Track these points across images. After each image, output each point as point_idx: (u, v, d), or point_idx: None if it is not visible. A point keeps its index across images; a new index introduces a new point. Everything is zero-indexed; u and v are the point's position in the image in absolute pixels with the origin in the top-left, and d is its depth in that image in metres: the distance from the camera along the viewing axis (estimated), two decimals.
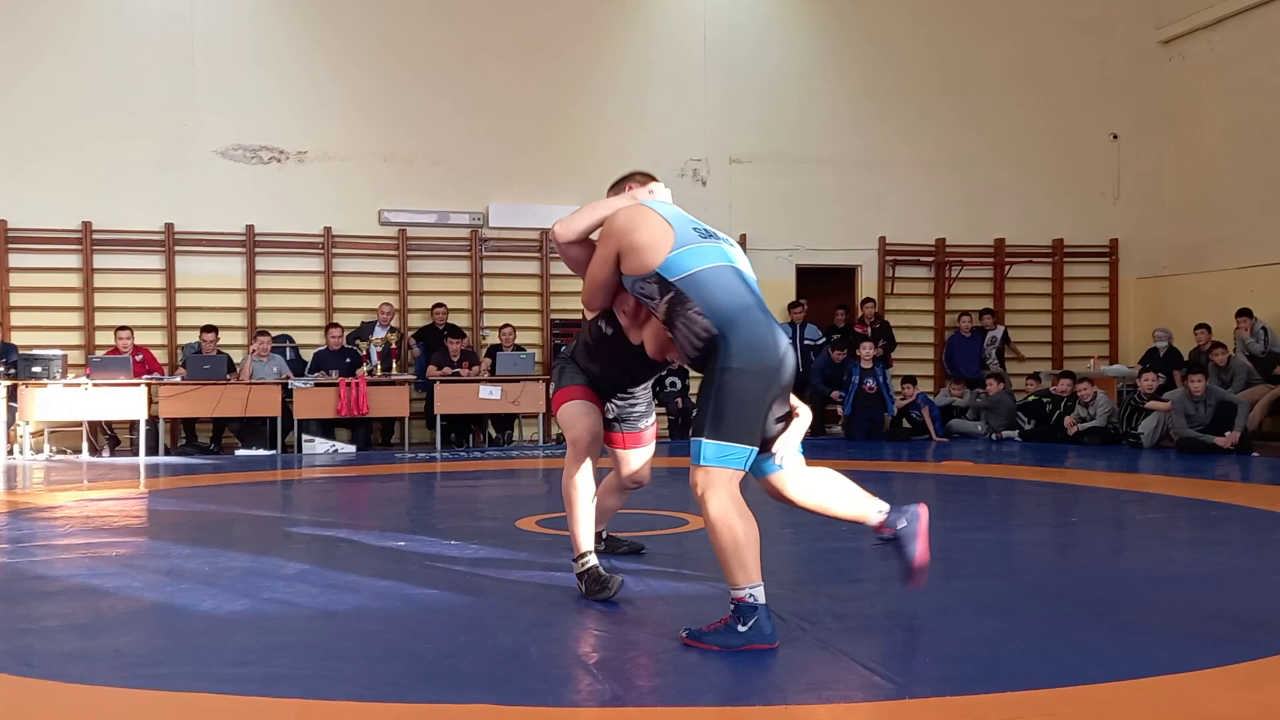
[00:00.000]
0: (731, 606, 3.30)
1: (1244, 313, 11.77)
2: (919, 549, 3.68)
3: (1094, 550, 5.12)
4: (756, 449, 3.44)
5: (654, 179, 4.01)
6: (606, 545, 4.89)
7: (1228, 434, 9.95)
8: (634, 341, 4.09)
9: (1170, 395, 10.55)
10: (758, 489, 3.77)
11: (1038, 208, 13.93)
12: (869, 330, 13.04)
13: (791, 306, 13.03)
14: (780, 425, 3.63)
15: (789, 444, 3.67)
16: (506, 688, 2.95)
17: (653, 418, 4.63)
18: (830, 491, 3.81)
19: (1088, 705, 2.76)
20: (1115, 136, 14.18)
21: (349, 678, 3.06)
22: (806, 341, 12.60)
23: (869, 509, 3.79)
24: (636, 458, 4.55)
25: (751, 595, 3.28)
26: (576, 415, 4.20)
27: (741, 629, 3.26)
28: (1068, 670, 3.07)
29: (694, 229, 3.62)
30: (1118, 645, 3.37)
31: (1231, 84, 13.19)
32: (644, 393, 4.51)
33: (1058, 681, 2.94)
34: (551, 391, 4.50)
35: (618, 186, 4.12)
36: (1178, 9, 13.89)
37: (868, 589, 4.29)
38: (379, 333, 11.91)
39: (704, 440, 3.38)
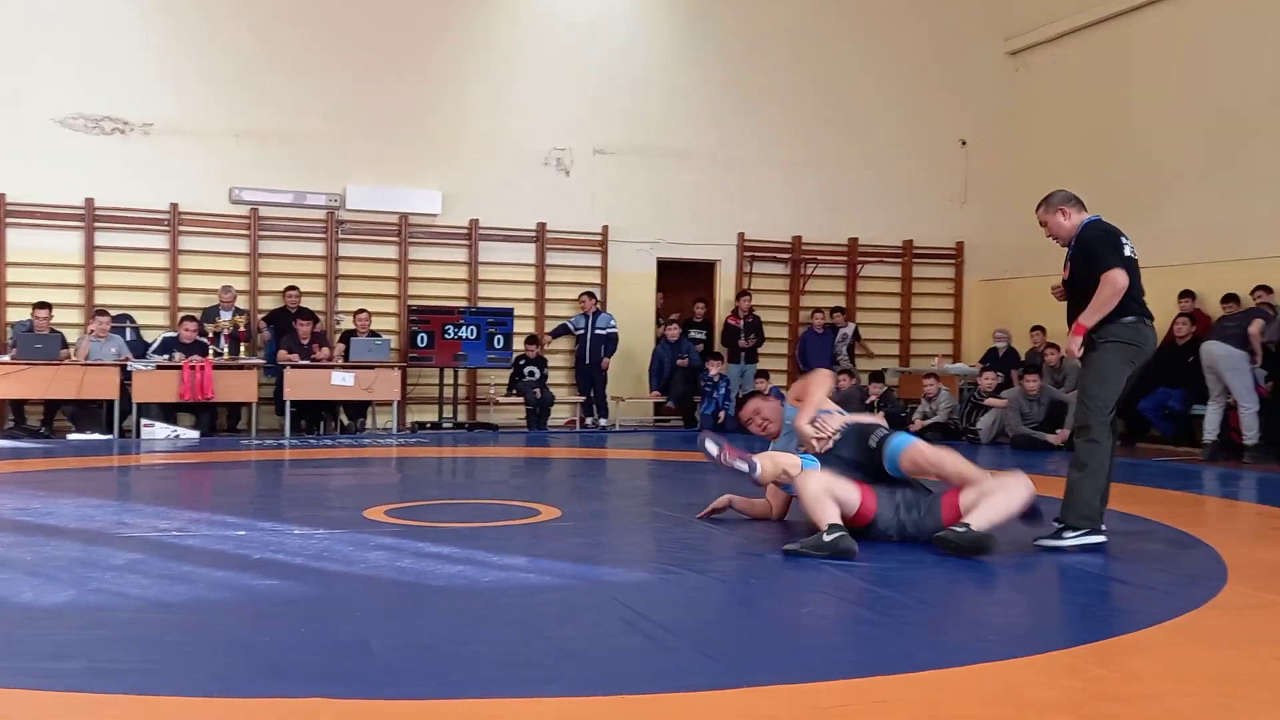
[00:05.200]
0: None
1: None
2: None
3: (919, 543, 5.31)
4: None
5: None
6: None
7: (1058, 431, 10.45)
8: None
9: (1007, 394, 11.04)
10: None
11: (890, 209, 14.36)
12: (742, 324, 13.25)
13: (582, 296, 13.14)
14: None
15: None
16: (345, 680, 2.89)
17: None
18: None
19: (919, 692, 2.85)
20: (964, 143, 14.72)
21: (177, 672, 2.95)
22: (598, 331, 12.71)
23: None
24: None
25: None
26: None
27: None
28: (902, 658, 3.17)
29: None
30: (947, 634, 3.50)
31: (1072, 96, 13.84)
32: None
33: (892, 669, 3.03)
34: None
35: None
36: (1024, 23, 14.50)
37: (713, 579, 4.35)
38: (224, 315, 11.50)
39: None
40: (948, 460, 5.09)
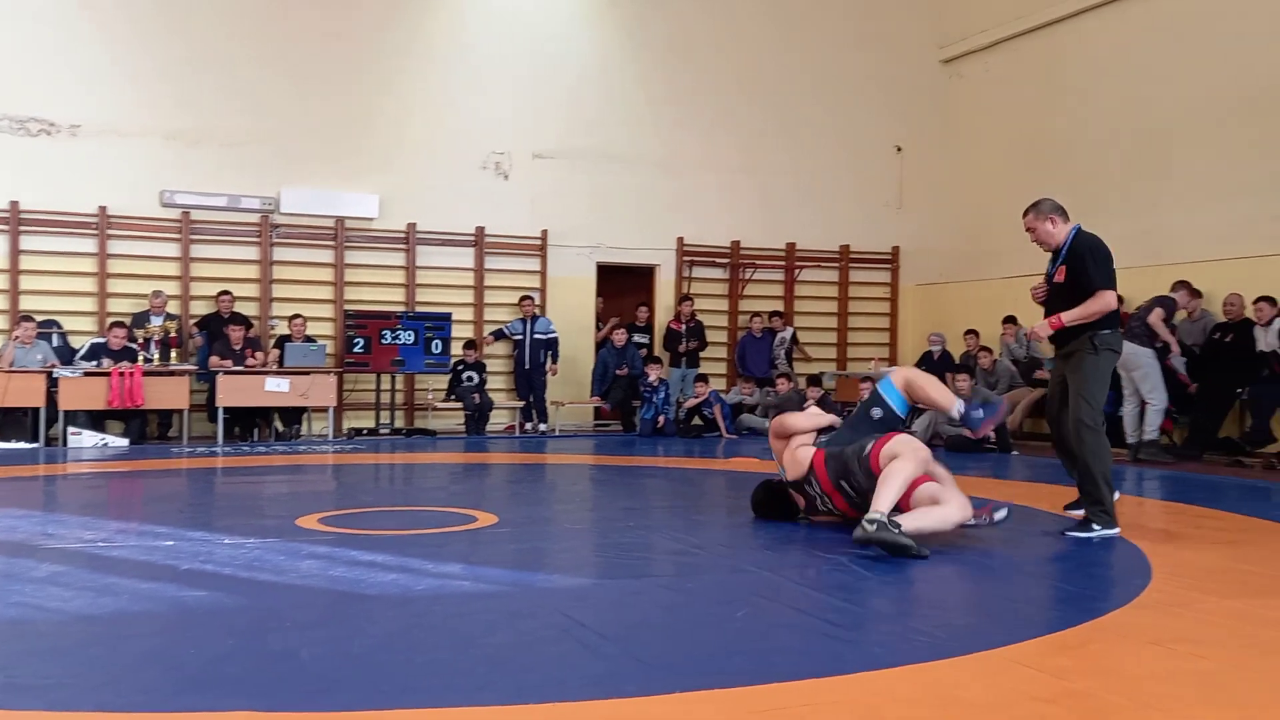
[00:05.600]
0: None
1: (1009, 320, 12.58)
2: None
3: (855, 546, 5.36)
4: None
5: None
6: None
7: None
8: None
9: None
10: None
11: (826, 215, 14.50)
12: (684, 329, 13.29)
13: (521, 300, 13.09)
14: None
15: None
16: (273, 692, 2.84)
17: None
18: None
19: (849, 694, 2.87)
20: (899, 149, 14.91)
21: (99, 686, 2.88)
22: (537, 335, 12.70)
23: None
24: None
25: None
26: None
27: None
28: (833, 660, 3.20)
29: None
30: (878, 635, 3.54)
31: (1004, 104, 14.09)
32: None
33: (824, 672, 3.05)
34: None
35: None
36: (957, 31, 14.73)
37: (650, 584, 4.35)
38: (155, 321, 11.29)
39: None
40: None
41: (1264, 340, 9.76)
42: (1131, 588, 4.23)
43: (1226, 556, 5.03)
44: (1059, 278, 5.71)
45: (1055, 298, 5.72)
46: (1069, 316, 5.53)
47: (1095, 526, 5.48)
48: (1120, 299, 5.69)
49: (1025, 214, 5.82)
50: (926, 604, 4.20)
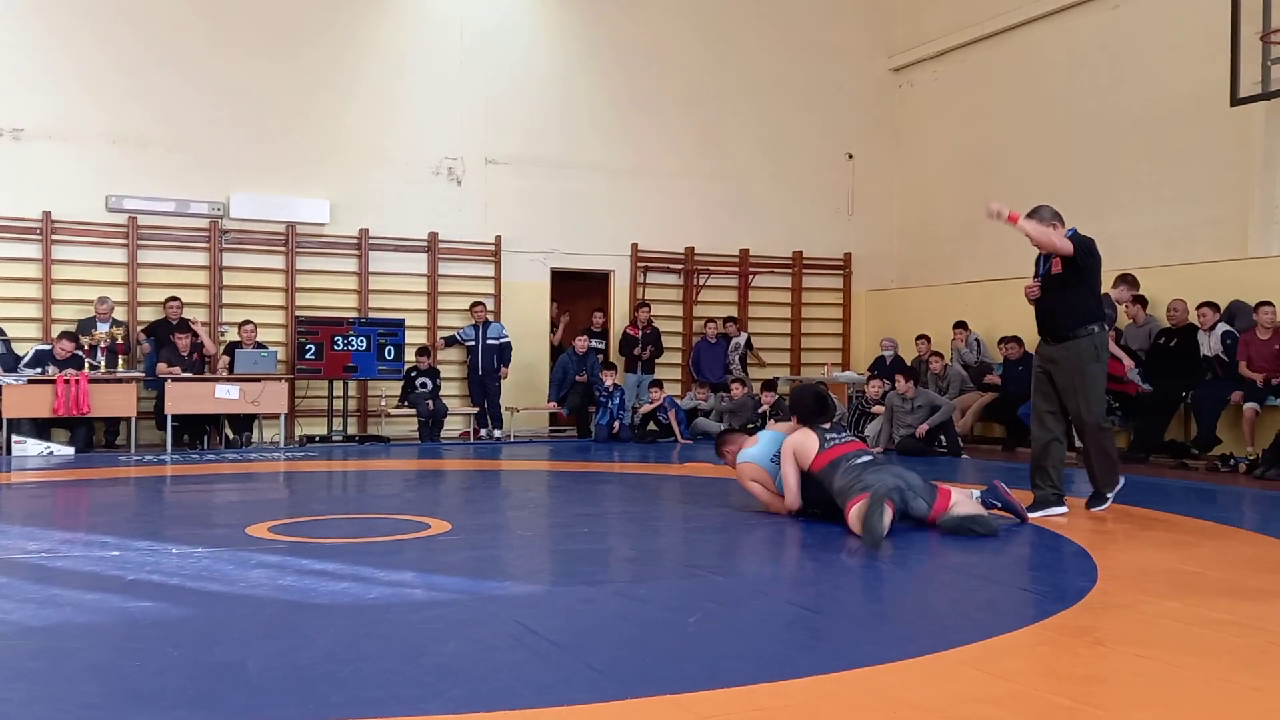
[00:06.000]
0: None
1: (960, 325, 12.72)
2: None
3: (808, 549, 5.40)
4: None
5: None
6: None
7: (920, 428, 10.73)
8: None
9: (889, 398, 11.29)
10: None
11: (780, 221, 14.59)
12: (640, 335, 13.30)
13: (473, 306, 13.06)
14: None
15: None
16: (218, 705, 2.81)
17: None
18: None
19: (797, 699, 2.89)
20: (851, 156, 15.04)
21: (38, 700, 2.83)
22: (490, 341, 12.68)
23: None
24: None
25: None
26: None
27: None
28: (783, 665, 3.21)
29: None
30: (825, 639, 3.57)
31: (953, 112, 14.26)
32: None
33: (772, 676, 3.07)
34: None
35: None
36: (907, 40, 14.90)
37: (604, 591, 4.35)
38: (101, 327, 11.11)
39: None
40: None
41: (1207, 345, 9.95)
42: (1078, 590, 4.30)
43: (1170, 558, 5.12)
44: (1056, 269, 6.29)
45: (1048, 292, 6.36)
46: (1029, 226, 6.10)
47: (1108, 496, 6.44)
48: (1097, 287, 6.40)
49: (1027, 219, 6.25)
50: (877, 607, 4.24)
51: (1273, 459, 8.76)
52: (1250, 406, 9.37)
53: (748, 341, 14.07)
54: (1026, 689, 3.00)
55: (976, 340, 12.68)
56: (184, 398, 10.91)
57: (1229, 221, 10.81)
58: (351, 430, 12.41)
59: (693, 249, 14.28)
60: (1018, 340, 11.71)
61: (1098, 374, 6.28)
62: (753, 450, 6.43)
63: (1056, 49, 12.76)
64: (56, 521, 6.55)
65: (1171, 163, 11.37)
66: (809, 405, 6.29)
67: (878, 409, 11.48)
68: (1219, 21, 10.18)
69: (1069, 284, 6.24)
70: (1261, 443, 9.25)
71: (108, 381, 10.67)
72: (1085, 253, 6.26)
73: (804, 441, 6.10)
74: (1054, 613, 3.91)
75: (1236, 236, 10.74)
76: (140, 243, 11.87)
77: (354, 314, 12.57)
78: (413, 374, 12.40)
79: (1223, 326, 9.88)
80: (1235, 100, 9.98)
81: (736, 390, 12.77)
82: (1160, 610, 3.96)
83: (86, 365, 10.65)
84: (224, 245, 12.21)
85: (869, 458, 6.03)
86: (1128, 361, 10.18)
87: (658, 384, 12.84)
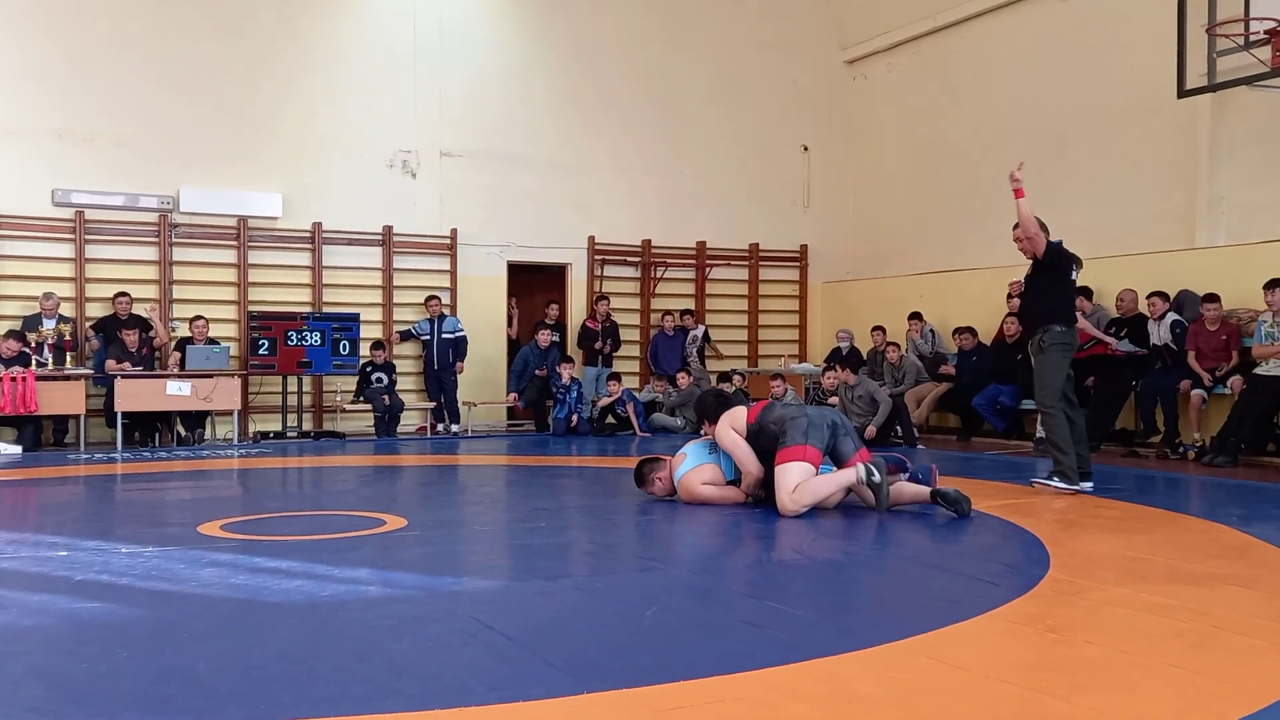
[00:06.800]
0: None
1: (915, 316, 12.83)
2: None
3: (764, 540, 5.43)
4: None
5: None
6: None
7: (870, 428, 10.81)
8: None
9: (839, 389, 11.37)
10: None
11: (736, 214, 14.63)
12: (600, 328, 13.28)
13: (428, 300, 13.03)
14: None
15: None
16: (166, 707, 2.77)
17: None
18: None
19: (751, 690, 2.90)
20: (806, 149, 15.10)
21: None
22: (445, 335, 12.63)
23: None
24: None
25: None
26: None
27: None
28: (738, 657, 3.22)
29: None
30: (780, 631, 3.58)
31: (906, 105, 14.35)
32: None
33: (727, 669, 3.08)
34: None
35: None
36: (860, 32, 14.96)
37: (561, 585, 4.34)
38: (48, 324, 10.92)
39: None
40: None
41: (1156, 334, 10.09)
42: (1030, 577, 4.35)
43: (1119, 544, 5.19)
44: (1029, 271, 7.13)
45: (1024, 290, 7.24)
46: (1023, 207, 6.87)
47: (1055, 480, 6.87)
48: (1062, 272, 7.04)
49: (1015, 228, 7.05)
50: (831, 598, 4.26)
51: (1219, 446, 8.92)
52: (1198, 394, 9.53)
53: (705, 334, 14.10)
54: (977, 678, 3.03)
55: (931, 331, 12.79)
56: (134, 395, 10.75)
57: (1177, 213, 10.97)
58: (306, 426, 12.30)
59: (650, 242, 14.28)
60: (972, 331, 11.83)
61: (1052, 365, 6.90)
62: (689, 459, 6.47)
63: (1008, 42, 12.88)
64: (2, 522, 6.42)
65: (1120, 155, 11.52)
66: (712, 403, 6.50)
67: (834, 400, 11.55)
68: (1166, 15, 10.32)
69: (1039, 285, 7.04)
70: (1209, 430, 9.41)
71: (55, 379, 10.50)
72: (1052, 261, 6.98)
73: (734, 414, 6.30)
74: (1006, 600, 3.95)
75: (1184, 228, 10.90)
76: (88, 238, 11.68)
77: (308, 309, 12.45)
78: (368, 369, 12.30)
79: (1172, 315, 10.03)
80: (1182, 92, 10.12)
81: (683, 380, 12.78)
82: (1109, 597, 4.01)
83: (33, 363, 10.47)
84: (174, 240, 12.04)
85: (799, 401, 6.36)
86: (1110, 340, 10.31)
87: (615, 377, 12.84)
